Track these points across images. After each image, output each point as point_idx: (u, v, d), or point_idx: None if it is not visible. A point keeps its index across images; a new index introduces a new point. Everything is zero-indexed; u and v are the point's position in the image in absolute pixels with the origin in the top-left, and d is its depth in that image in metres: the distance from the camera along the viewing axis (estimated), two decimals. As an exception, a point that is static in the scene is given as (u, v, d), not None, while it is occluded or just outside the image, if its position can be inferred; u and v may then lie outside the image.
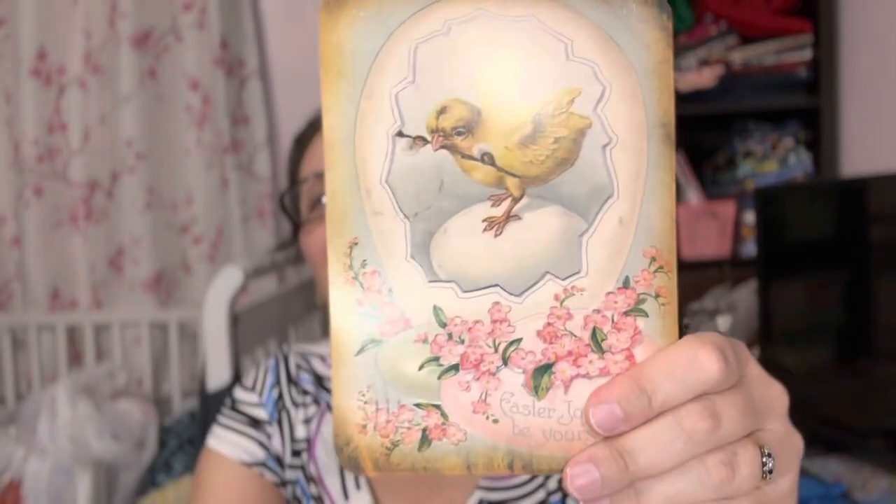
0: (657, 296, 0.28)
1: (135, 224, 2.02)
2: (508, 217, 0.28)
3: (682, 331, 0.28)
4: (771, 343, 1.41)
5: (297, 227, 0.71)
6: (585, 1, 0.27)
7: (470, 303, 0.28)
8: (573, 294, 0.28)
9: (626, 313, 0.28)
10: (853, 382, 1.25)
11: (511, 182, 0.28)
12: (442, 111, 0.27)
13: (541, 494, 0.62)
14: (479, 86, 0.27)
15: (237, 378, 1.15)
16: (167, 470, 1.69)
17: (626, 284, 0.28)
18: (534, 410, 0.28)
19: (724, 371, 0.27)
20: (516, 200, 0.28)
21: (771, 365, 1.39)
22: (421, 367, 0.28)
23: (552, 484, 0.62)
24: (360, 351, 0.28)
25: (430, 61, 0.27)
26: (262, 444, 0.67)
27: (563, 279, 0.28)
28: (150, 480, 1.69)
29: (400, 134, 0.28)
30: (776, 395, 0.30)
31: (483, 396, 0.28)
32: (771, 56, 1.83)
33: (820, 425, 1.25)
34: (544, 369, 0.28)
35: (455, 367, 0.28)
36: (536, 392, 0.28)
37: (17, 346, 2.08)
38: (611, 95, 0.27)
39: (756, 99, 1.84)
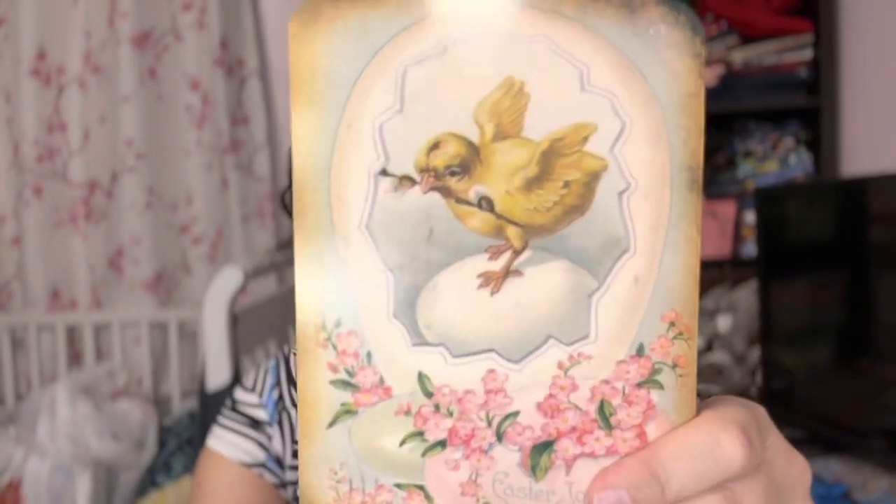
0: (675, 366, 0.24)
1: (135, 224, 2.02)
2: (508, 272, 0.24)
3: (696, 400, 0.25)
4: (771, 343, 1.41)
5: None
6: (606, 20, 0.23)
7: (461, 370, 0.24)
8: (579, 362, 0.24)
9: (638, 385, 0.24)
10: (853, 382, 1.25)
11: (512, 232, 0.24)
12: (434, 147, 0.23)
13: None
14: (479, 118, 0.23)
15: (237, 378, 1.15)
16: (167, 470, 1.69)
17: (640, 352, 0.24)
18: (531, 493, 0.25)
19: (749, 458, 0.24)
20: (517, 253, 0.24)
21: (771, 365, 1.40)
22: (402, 443, 0.24)
23: None
24: (333, 423, 0.25)
25: (422, 87, 0.23)
26: (262, 445, 0.67)
27: (569, 345, 0.24)
28: (150, 480, 1.69)
29: (384, 172, 0.23)
30: (799, 473, 0.27)
31: (473, 477, 0.25)
32: (771, 56, 1.83)
33: (820, 425, 1.25)
34: (544, 447, 0.24)
35: (442, 444, 0.24)
36: (534, 472, 0.24)
37: (17, 346, 2.08)
38: (631, 133, 0.23)
39: (756, 99, 1.84)
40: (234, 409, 0.69)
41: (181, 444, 1.73)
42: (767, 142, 1.87)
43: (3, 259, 2.09)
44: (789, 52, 1.82)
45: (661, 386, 0.24)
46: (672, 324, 0.24)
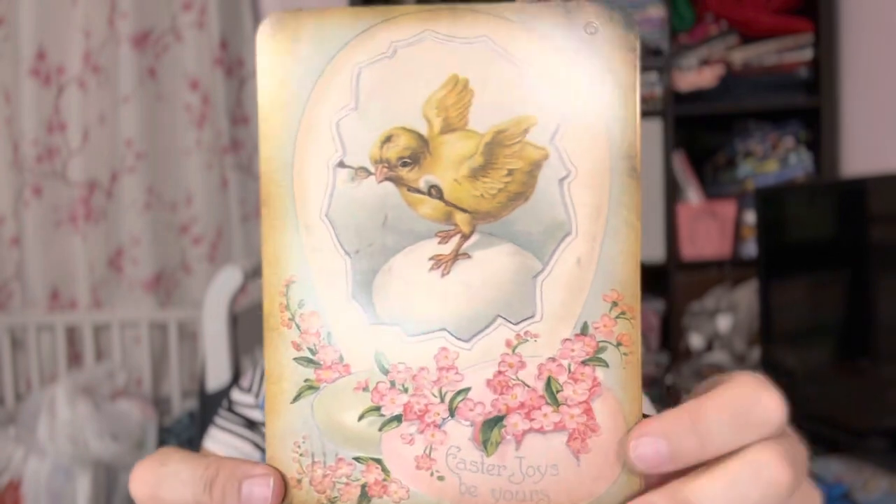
0: (619, 344, 0.25)
1: (134, 224, 2.02)
2: (457, 255, 0.25)
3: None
4: (771, 343, 1.41)
5: None
6: (544, 20, 0.25)
7: (415, 348, 0.25)
8: (526, 340, 0.25)
9: (584, 362, 0.25)
10: (853, 382, 1.25)
11: (460, 217, 0.25)
12: (386, 140, 0.25)
13: None
14: (427, 113, 0.25)
15: (237, 378, 1.15)
16: (167, 470, 1.68)
17: (584, 331, 0.25)
18: (482, 467, 0.26)
19: (785, 417, 0.24)
20: (466, 237, 0.25)
21: (771, 365, 1.40)
22: (361, 418, 0.26)
23: None
24: (297, 398, 0.26)
25: (375, 87, 0.25)
26: (257, 446, 0.67)
27: (516, 324, 0.25)
28: (150, 480, 1.68)
29: (341, 164, 0.25)
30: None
31: (427, 451, 0.26)
32: (771, 56, 1.83)
33: (820, 425, 1.25)
34: (494, 422, 0.26)
35: (398, 418, 0.26)
36: (485, 447, 0.26)
37: (17, 347, 2.08)
38: (570, 124, 0.25)
39: (756, 99, 1.84)
40: (230, 409, 0.69)
41: (181, 444, 1.73)
42: (767, 142, 1.87)
43: (3, 259, 2.09)
44: (789, 52, 1.82)
45: (605, 364, 0.25)
46: (615, 303, 0.25)
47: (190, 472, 0.25)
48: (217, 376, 1.15)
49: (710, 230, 1.85)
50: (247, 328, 1.26)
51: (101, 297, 2.07)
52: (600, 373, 0.25)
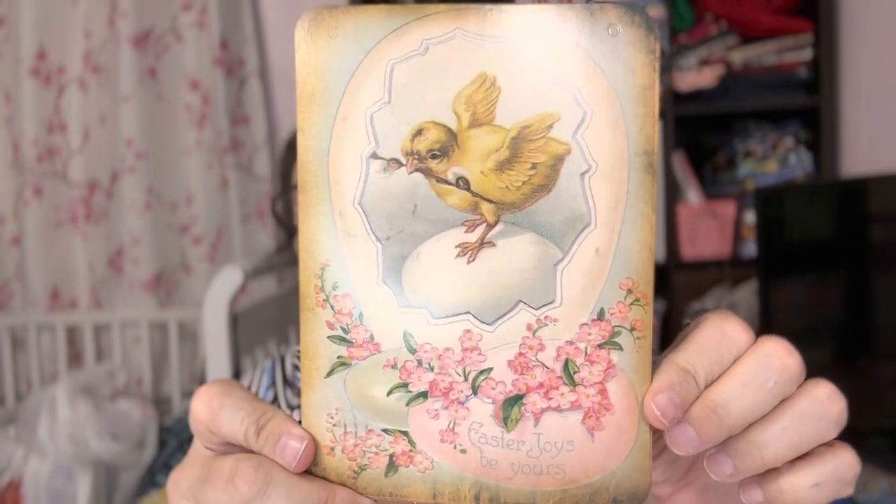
0: (632, 329, 0.27)
1: (135, 224, 2.02)
2: (482, 243, 0.27)
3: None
4: (771, 343, 1.40)
5: (291, 233, 0.71)
6: (568, 22, 0.26)
7: (441, 329, 0.27)
8: (546, 324, 0.27)
9: (599, 346, 0.27)
10: (853, 382, 1.25)
11: (486, 207, 0.27)
12: (417, 133, 0.27)
13: None
14: (456, 108, 0.26)
15: (237, 378, 1.15)
16: (167, 470, 1.69)
17: (600, 316, 0.27)
18: (502, 442, 0.27)
19: (750, 335, 0.28)
20: (491, 227, 0.27)
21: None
22: (389, 393, 0.28)
23: None
24: (330, 373, 0.28)
25: (407, 82, 0.26)
26: None
27: (537, 309, 0.27)
28: (150, 480, 1.69)
29: (374, 156, 0.27)
30: None
31: (451, 425, 0.27)
32: (771, 56, 1.83)
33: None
34: (514, 400, 0.27)
35: (424, 395, 0.27)
36: (506, 423, 0.27)
37: (17, 346, 2.08)
38: (591, 121, 0.26)
39: (756, 99, 1.84)
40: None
41: (181, 444, 1.73)
42: (767, 142, 1.86)
43: (3, 259, 2.09)
44: (789, 52, 1.82)
45: (619, 347, 0.27)
46: (629, 291, 0.27)
47: (249, 412, 0.28)
48: (217, 376, 1.15)
49: (710, 230, 1.85)
50: (247, 328, 1.26)
51: (102, 297, 2.07)
52: (615, 355, 0.27)
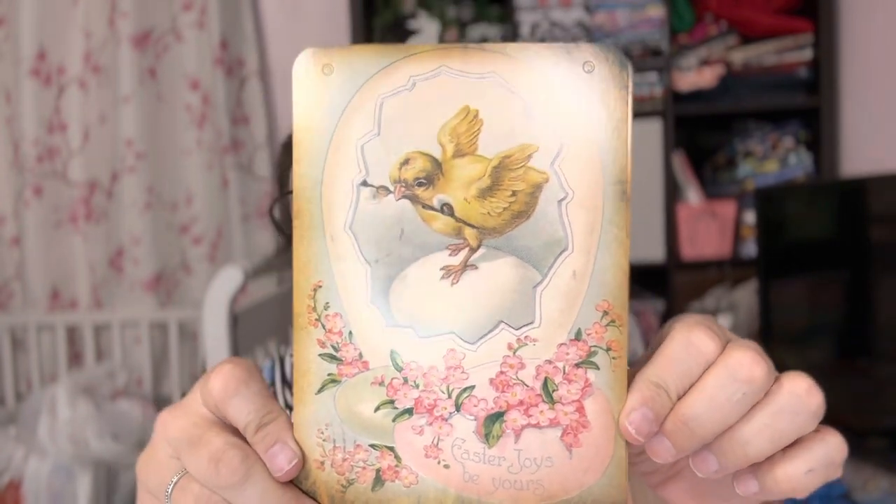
0: (608, 349, 0.28)
1: (135, 224, 2.02)
2: (465, 266, 0.28)
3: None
4: (771, 343, 1.40)
5: (289, 237, 0.70)
6: (546, 60, 0.28)
7: (426, 348, 0.28)
8: (526, 344, 0.28)
9: (577, 365, 0.28)
10: (853, 382, 1.25)
11: (469, 232, 0.28)
12: (405, 162, 0.28)
13: None
14: (441, 139, 0.28)
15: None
16: (167, 470, 1.68)
17: (578, 336, 0.28)
18: (484, 458, 0.28)
19: (718, 345, 0.28)
20: (473, 250, 0.28)
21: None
22: (377, 409, 0.29)
23: None
24: (321, 390, 0.29)
25: (395, 115, 0.28)
26: None
27: (517, 329, 0.28)
28: (150, 480, 1.68)
29: (364, 183, 0.28)
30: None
31: (435, 441, 0.28)
32: (771, 56, 1.83)
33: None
34: (495, 417, 0.28)
35: (409, 411, 0.29)
36: (487, 440, 0.28)
37: (17, 346, 2.08)
38: (568, 152, 0.28)
39: (756, 99, 1.84)
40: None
41: (181, 444, 1.73)
42: (767, 142, 1.87)
43: (3, 259, 2.09)
44: (789, 52, 1.82)
45: (596, 366, 0.28)
46: (605, 312, 0.28)
47: (258, 407, 0.29)
48: (217, 376, 1.15)
49: (710, 230, 1.85)
50: (247, 328, 1.26)
51: (102, 297, 2.07)
52: (592, 374, 0.28)
